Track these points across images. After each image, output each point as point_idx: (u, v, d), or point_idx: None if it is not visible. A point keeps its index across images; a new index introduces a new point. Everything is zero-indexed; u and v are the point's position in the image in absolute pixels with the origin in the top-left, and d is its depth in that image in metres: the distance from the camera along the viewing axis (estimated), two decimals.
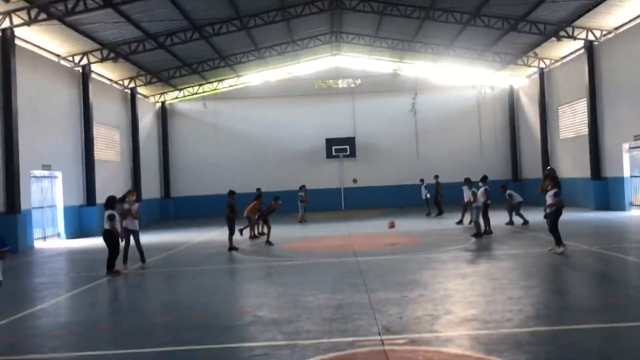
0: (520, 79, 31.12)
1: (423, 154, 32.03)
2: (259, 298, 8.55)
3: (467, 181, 16.52)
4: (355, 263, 11.45)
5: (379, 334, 6.05)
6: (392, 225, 18.38)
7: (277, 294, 8.73)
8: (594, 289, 8.60)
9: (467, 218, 17.94)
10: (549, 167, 12.68)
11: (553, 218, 11.38)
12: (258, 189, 20.31)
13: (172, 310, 8.08)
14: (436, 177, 23.39)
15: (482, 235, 14.95)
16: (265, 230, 16.62)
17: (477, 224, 15.02)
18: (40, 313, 8.28)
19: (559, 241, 11.39)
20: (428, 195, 23.31)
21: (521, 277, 9.24)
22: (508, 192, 17.90)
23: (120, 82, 26.92)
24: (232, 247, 14.74)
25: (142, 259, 12.28)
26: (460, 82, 32.31)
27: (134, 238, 12.21)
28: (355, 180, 27.66)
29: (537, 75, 28.19)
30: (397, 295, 8.08)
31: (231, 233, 14.92)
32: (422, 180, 24.13)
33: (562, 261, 10.68)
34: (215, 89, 32.08)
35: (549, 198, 11.42)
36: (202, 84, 31.47)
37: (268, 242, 15.87)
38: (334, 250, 14.16)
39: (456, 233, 16.61)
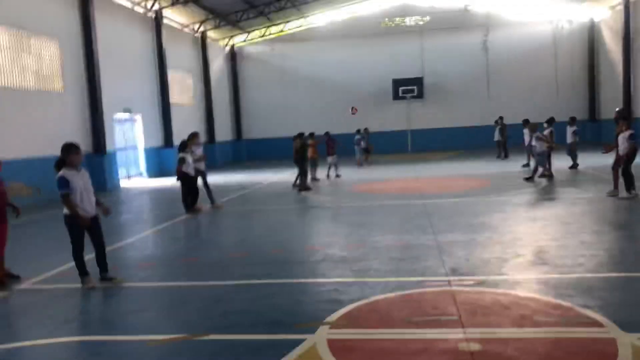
0: (602, 11, 28.66)
1: (495, 95, 30.70)
2: (329, 237, 8.78)
3: (527, 123, 16.11)
4: (423, 205, 11.42)
5: (446, 275, 6.10)
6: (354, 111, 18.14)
7: (346, 234, 8.93)
8: None
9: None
10: (617, 109, 11.92)
11: (626, 161, 10.83)
12: (311, 133, 19.69)
13: (248, 246, 8.46)
14: (500, 118, 22.48)
15: (534, 178, 14.48)
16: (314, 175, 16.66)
17: (537, 168, 14.59)
18: (130, 247, 8.96)
19: (631, 185, 10.86)
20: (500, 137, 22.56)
21: (594, 222, 8.91)
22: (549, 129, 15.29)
23: (191, 27, 27.29)
24: (304, 187, 15.08)
25: (212, 200, 12.74)
26: (536, 17, 30.19)
27: (202, 179, 12.65)
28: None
29: (622, 6, 25.84)
30: (465, 237, 8.05)
31: (303, 174, 15.22)
32: (496, 122, 23.14)
33: (638, 206, 10.17)
34: (282, 31, 31.86)
35: (624, 140, 10.84)
36: (269, 26, 31.32)
37: (305, 187, 15.17)
38: (401, 192, 14.16)
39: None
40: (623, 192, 11.02)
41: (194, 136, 12.65)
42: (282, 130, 31.18)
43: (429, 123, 31.30)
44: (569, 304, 4.99)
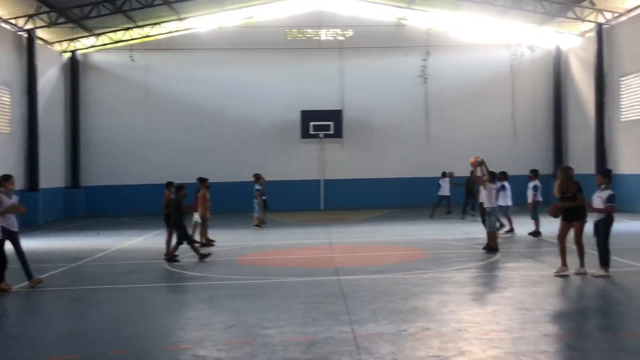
0: (571, 38, 31.47)
1: (435, 137, 32.31)
2: (201, 329, 8.58)
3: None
4: (337, 283, 11.53)
5: None
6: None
7: (227, 325, 8.76)
8: None
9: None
10: (563, 166, 12.91)
11: (604, 229, 11.61)
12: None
13: (80, 344, 8.10)
14: (448, 174, 24.88)
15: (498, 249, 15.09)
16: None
17: (493, 234, 15.26)
18: None
19: (605, 261, 11.63)
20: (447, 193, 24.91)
21: (560, 307, 9.45)
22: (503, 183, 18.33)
23: (13, 22, 26.60)
24: (172, 257, 15.05)
25: (28, 274, 12.08)
26: (489, 39, 32.51)
27: (13, 243, 12.07)
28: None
29: (594, 34, 28.45)
30: (393, 328, 8.17)
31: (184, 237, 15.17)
32: (445, 174, 25.76)
33: (614, 286, 10.90)
34: (148, 36, 31.85)
35: (599, 200, 11.65)
36: (129, 28, 31.22)
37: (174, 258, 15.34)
38: (308, 265, 14.28)
39: (475, 245, 16.77)
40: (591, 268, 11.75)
41: (6, 180, 12.14)
42: (141, 175, 30.63)
43: (348, 172, 32.11)
44: None
